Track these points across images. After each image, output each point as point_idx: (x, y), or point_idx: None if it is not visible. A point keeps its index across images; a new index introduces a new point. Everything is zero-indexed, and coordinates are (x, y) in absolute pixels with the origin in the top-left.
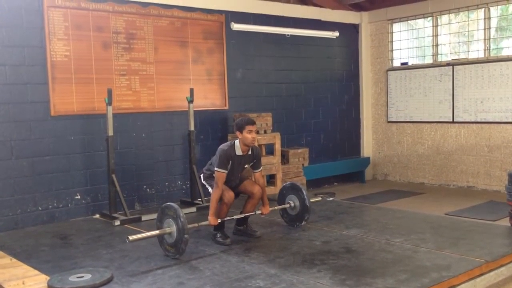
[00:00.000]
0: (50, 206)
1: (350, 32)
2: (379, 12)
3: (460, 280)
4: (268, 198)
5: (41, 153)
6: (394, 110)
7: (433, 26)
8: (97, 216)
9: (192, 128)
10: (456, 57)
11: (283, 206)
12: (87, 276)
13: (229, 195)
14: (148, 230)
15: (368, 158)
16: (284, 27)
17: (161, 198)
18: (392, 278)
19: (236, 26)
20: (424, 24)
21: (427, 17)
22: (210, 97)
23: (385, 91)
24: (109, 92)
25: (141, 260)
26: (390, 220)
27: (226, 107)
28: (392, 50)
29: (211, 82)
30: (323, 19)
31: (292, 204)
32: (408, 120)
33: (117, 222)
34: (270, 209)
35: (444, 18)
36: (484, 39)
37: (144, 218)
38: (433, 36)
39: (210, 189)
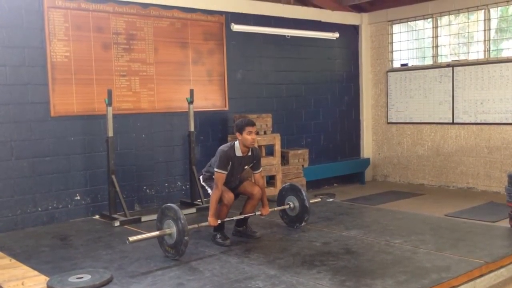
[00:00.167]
0: (50, 207)
1: (350, 33)
2: (379, 13)
3: (459, 281)
4: (268, 199)
5: (41, 154)
6: (394, 111)
7: (433, 27)
8: (97, 217)
9: (192, 129)
10: (456, 58)
11: (282, 207)
12: (87, 277)
13: (229, 196)
14: (148, 231)
15: (368, 159)
16: (284, 28)
17: (161, 199)
18: (391, 279)
19: (236, 27)
20: (424, 26)
21: (427, 18)
22: (210, 98)
23: (385, 92)
24: (109, 93)
25: (141, 261)
26: (390, 221)
27: (226, 108)
28: (392, 51)
29: (211, 83)
30: (323, 20)
31: (292, 205)
32: (408, 121)
33: (117, 223)
34: (270, 210)
35: (444, 20)
36: (484, 41)
37: (144, 219)
38: (433, 37)
39: (209, 191)
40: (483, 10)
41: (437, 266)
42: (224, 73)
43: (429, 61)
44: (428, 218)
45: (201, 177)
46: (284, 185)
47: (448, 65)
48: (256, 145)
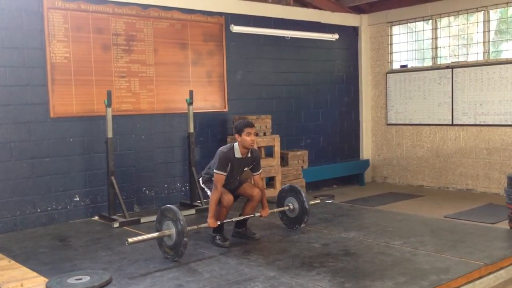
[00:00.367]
0: (49, 208)
1: (350, 34)
2: (379, 14)
3: (459, 283)
4: (268, 200)
5: (40, 155)
6: (393, 113)
7: (432, 28)
8: (96, 218)
9: (191, 130)
10: (456, 59)
11: (282, 208)
12: (86, 278)
13: (228, 198)
14: (147, 232)
15: (368, 160)
16: (284, 29)
17: (161, 200)
18: (391, 281)
19: (236, 28)
20: (424, 27)
21: (427, 20)
22: (209, 99)
23: (384, 94)
24: (109, 94)
25: (140, 263)
26: (389, 222)
27: (226, 109)
28: (391, 53)
29: (211, 84)
30: (322, 21)
31: (291, 207)
32: (407, 122)
33: (116, 224)
34: (270, 211)
35: (444, 21)
36: (484, 42)
37: (143, 220)
38: (432, 38)
39: (209, 193)
40: (482, 12)
41: (436, 268)
42: (223, 74)
43: (428, 63)
44: (427, 219)
45: (200, 179)
46: (283, 187)
47: (447, 67)
48: (255, 146)
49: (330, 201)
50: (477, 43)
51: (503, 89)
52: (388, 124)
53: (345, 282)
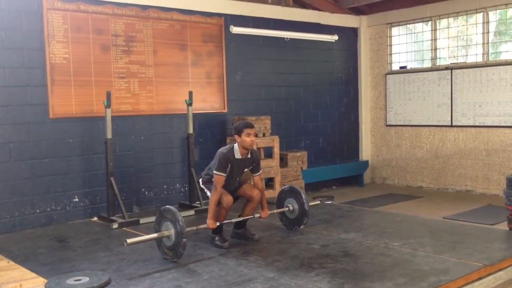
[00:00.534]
0: (48, 209)
1: (349, 35)
2: (378, 16)
3: (458, 284)
4: (267, 201)
5: (39, 156)
6: (392, 114)
7: (432, 30)
8: (95, 219)
9: (191, 131)
10: (455, 61)
11: (282, 209)
12: (85, 279)
13: (228, 199)
14: (147, 233)
15: (367, 161)
16: (283, 30)
17: (160, 201)
18: (390, 282)
19: (235, 29)
20: (423, 28)
21: (426, 21)
22: (209, 100)
23: (383, 95)
24: (108, 95)
25: (139, 263)
26: (389, 224)
27: (225, 110)
28: (391, 54)
29: (210, 85)
30: (322, 22)
31: (291, 208)
32: (406, 123)
33: (115, 225)
34: (269, 212)
35: (443, 22)
36: (483, 43)
37: (142, 221)
38: (432, 40)
39: (208, 194)
40: (481, 13)
41: (435, 269)
42: (223, 75)
43: (428, 64)
44: (426, 220)
45: (200, 180)
46: (283, 187)
47: (446, 68)
48: (255, 147)
49: (329, 202)
50: (476, 44)
51: (502, 91)
52: (387, 125)
53: (344, 283)
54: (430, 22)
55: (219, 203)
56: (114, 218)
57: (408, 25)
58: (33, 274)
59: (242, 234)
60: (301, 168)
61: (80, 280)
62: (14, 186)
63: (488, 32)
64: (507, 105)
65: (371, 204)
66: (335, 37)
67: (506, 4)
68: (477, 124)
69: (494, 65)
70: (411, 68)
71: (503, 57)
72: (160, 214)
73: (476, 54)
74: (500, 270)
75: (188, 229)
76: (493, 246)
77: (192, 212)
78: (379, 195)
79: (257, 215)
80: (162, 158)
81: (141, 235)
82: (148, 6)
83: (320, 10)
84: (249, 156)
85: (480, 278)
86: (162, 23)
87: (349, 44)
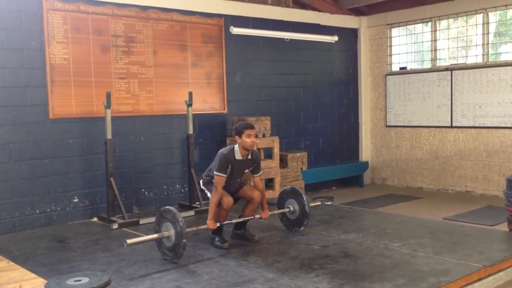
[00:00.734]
0: (48, 209)
1: (349, 36)
2: (378, 16)
3: (458, 285)
4: (267, 202)
5: (39, 156)
6: (392, 115)
7: (432, 31)
8: (95, 219)
9: (191, 131)
10: (455, 62)
11: (282, 210)
12: (85, 280)
13: (228, 200)
14: (146, 234)
15: (367, 162)
16: (283, 31)
17: (160, 202)
18: (390, 283)
19: (235, 30)
20: (423, 29)
21: (426, 22)
22: (209, 100)
23: (383, 96)
24: (108, 95)
25: (139, 264)
26: (389, 224)
27: (225, 111)
28: (391, 55)
29: (210, 86)
30: (322, 23)
31: (292, 209)
32: (406, 124)
33: (115, 226)
34: (270, 213)
35: (443, 23)
36: (483, 44)
37: (142, 221)
38: (431, 41)
39: (209, 194)
40: (481, 14)
41: (435, 270)
42: (223, 76)
43: (427, 65)
44: (426, 221)
45: (201, 181)
46: (285, 188)
47: (446, 69)
48: (255, 148)
49: (329, 203)
50: (476, 45)
51: (502, 91)
52: (387, 126)
53: (344, 284)
54: (430, 23)
55: (219, 204)
56: (114, 218)
57: (408, 26)
58: (33, 275)
59: (242, 235)
60: (301, 168)
61: (80, 280)
62: (14, 187)
63: (488, 33)
64: (507, 106)
65: (371, 205)
66: (335, 38)
67: (506, 5)
68: (477, 125)
69: (494, 66)
70: (411, 69)
71: (503, 58)
72: (160, 214)
73: (476, 55)
74: (500, 271)
75: (188, 229)
76: (493, 247)
77: (192, 212)
78: (379, 196)
79: (257, 216)
80: (162, 158)
81: (141, 236)
82: (148, 7)
83: (320, 11)
84: (249, 157)
85: (480, 279)
86: (162, 23)
87: (349, 45)
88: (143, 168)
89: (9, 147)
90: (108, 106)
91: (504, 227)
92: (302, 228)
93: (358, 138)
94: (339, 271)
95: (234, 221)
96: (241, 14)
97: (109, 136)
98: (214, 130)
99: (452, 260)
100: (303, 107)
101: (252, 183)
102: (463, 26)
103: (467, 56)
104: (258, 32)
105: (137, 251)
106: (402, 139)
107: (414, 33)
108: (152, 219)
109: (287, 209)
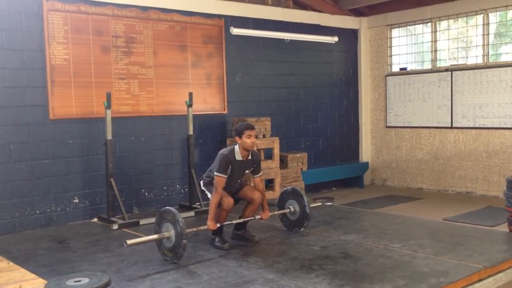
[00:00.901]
0: (48, 210)
1: (349, 37)
2: (378, 17)
3: (458, 286)
4: (268, 202)
5: (39, 157)
6: (392, 115)
7: (432, 31)
8: (95, 220)
9: (191, 132)
10: (455, 62)
11: (283, 211)
12: (85, 280)
13: (228, 201)
14: (147, 234)
15: (367, 163)
16: (283, 31)
17: (160, 202)
18: (390, 284)
19: (235, 31)
20: (423, 30)
21: (426, 22)
22: (209, 101)
23: (384, 96)
24: (108, 96)
25: (139, 265)
26: (389, 225)
27: (225, 112)
28: (391, 56)
29: (210, 87)
30: (322, 24)
31: (292, 209)
32: (406, 125)
33: (115, 226)
34: (270, 214)
35: (443, 24)
36: (483, 45)
37: (142, 222)
38: (432, 41)
39: (209, 195)
40: (482, 15)
41: (435, 271)
42: (223, 77)
43: (428, 66)
44: (426, 222)
45: (201, 182)
46: (286, 188)
47: (447, 70)
48: (255, 148)
49: (329, 203)
50: (476, 46)
51: (502, 92)
52: (387, 127)
53: (344, 284)
54: (430, 24)
55: (219, 204)
56: (114, 219)
57: (408, 27)
58: (33, 275)
59: (242, 236)
60: (301, 169)
61: (80, 281)
62: (14, 187)
63: (488, 34)
64: (507, 107)
65: (371, 206)
66: (335, 39)
67: (506, 6)
68: (477, 125)
69: (494, 67)
70: (411, 69)
71: (503, 58)
72: (160, 215)
73: (476, 56)
74: (501, 271)
75: (188, 230)
76: (493, 247)
77: (192, 213)
78: (379, 196)
79: (258, 217)
80: (162, 159)
81: (141, 236)
82: (148, 8)
83: (320, 11)
84: (249, 157)
85: (480, 280)
86: (162, 24)
87: (349, 45)
88: (143, 169)
89: (9, 147)
90: (108, 106)
91: (504, 228)
92: (302, 229)
93: (358, 139)
94: (339, 272)
95: (234, 221)
96: (241, 15)
97: (109, 136)
98: (214, 131)
99: (452, 261)
100: (303, 108)
101: (252, 184)
102: (463, 27)
103: (467, 57)
104: (258, 33)
105: (137, 252)
106: (402, 139)
107: (414, 34)
108: (152, 220)
109: (288, 210)
